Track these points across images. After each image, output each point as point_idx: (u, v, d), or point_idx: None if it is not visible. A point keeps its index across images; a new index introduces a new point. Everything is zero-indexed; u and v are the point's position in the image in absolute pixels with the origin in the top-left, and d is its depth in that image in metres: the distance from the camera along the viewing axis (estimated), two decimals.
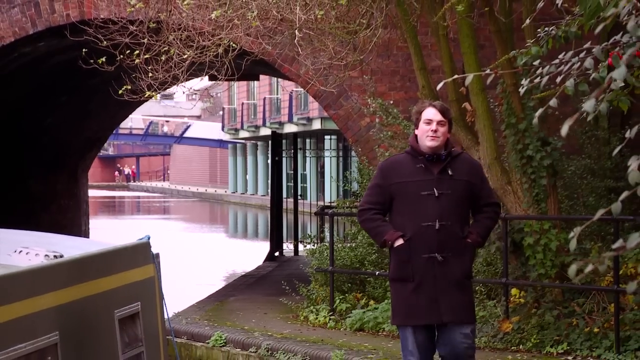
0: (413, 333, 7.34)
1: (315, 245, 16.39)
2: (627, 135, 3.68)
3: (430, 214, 7.23)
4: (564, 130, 3.75)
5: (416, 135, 7.45)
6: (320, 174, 54.03)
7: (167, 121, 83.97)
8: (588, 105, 3.61)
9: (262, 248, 29.13)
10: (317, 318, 13.86)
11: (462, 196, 7.34)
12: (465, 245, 7.34)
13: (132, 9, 13.11)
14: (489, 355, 11.64)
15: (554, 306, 12.10)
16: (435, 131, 7.28)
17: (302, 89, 32.11)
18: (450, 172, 7.32)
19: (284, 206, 25.56)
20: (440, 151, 7.33)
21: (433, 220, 7.22)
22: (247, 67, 14.32)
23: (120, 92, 13.06)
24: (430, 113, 7.36)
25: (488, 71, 4.90)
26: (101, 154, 75.97)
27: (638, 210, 10.42)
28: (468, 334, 7.37)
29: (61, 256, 5.27)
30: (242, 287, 19.35)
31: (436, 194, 7.24)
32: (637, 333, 11.20)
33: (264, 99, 56.48)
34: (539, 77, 4.33)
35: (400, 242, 7.27)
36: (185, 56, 12.38)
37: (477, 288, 13.37)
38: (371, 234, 7.63)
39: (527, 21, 5.07)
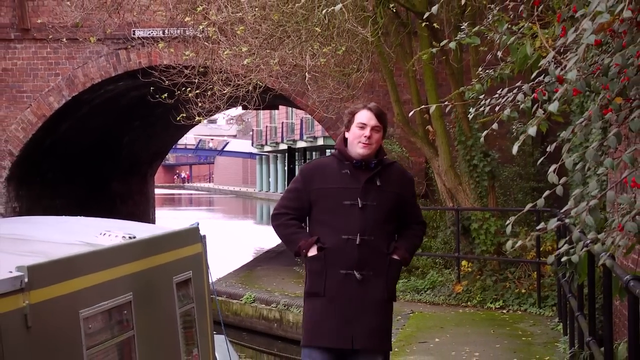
0: (319, 356, 4.72)
1: None
2: (548, 149, 3.73)
3: (352, 226, 4.69)
4: (515, 149, 3.83)
5: (345, 138, 4.86)
6: None
7: (212, 139, 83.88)
8: (531, 130, 3.69)
9: None
10: None
11: (390, 209, 4.76)
12: (390, 262, 4.75)
13: (187, 57, 13.10)
14: (445, 309, 11.60)
15: (492, 273, 12.07)
16: (369, 137, 4.74)
17: (310, 116, 32.07)
18: (378, 183, 4.76)
19: None
20: (370, 159, 4.78)
21: (354, 233, 4.68)
22: (269, 99, 14.33)
23: (178, 118, 13.07)
24: (365, 116, 4.77)
25: (446, 102, 4.89)
26: (164, 162, 75.92)
27: (554, 203, 10.39)
28: None
29: (134, 237, 5.24)
30: (266, 259, 19.33)
31: (360, 205, 4.70)
32: (553, 293, 11.18)
33: (282, 122, 56.41)
34: (483, 107, 4.34)
35: (314, 251, 4.73)
36: (225, 92, 12.37)
37: (436, 260, 13.34)
38: (285, 240, 4.89)
39: (480, 69, 5.05)
